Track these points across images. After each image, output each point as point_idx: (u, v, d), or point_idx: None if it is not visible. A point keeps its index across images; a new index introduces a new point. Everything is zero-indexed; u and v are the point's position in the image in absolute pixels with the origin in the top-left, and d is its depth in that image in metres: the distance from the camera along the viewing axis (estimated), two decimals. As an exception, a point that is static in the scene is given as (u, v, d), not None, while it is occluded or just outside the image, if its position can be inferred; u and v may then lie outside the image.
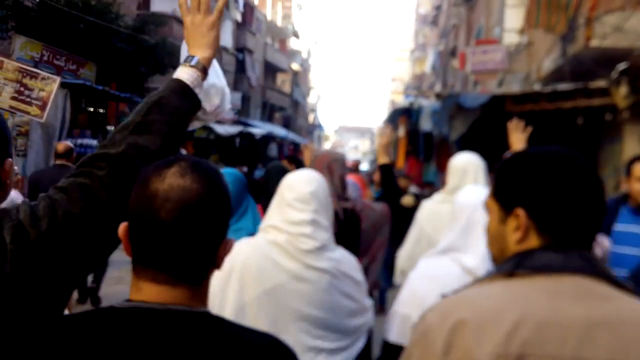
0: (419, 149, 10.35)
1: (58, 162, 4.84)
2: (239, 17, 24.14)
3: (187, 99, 1.16)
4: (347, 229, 2.42)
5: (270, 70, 31.28)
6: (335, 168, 2.49)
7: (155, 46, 10.39)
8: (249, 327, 0.87)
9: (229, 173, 2.48)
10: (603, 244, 2.23)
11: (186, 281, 0.82)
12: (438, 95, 8.94)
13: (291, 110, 35.59)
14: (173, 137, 1.12)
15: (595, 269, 0.88)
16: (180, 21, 18.54)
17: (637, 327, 0.82)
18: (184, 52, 1.31)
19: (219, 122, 20.56)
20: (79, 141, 8.44)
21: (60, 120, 8.22)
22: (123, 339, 0.76)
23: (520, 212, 0.92)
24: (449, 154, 10.65)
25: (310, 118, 47.98)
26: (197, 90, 1.19)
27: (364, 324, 1.80)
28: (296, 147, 27.38)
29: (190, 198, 0.80)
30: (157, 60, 10.40)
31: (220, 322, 0.84)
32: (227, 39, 23.65)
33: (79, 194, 1.00)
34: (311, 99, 48.58)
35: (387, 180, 3.11)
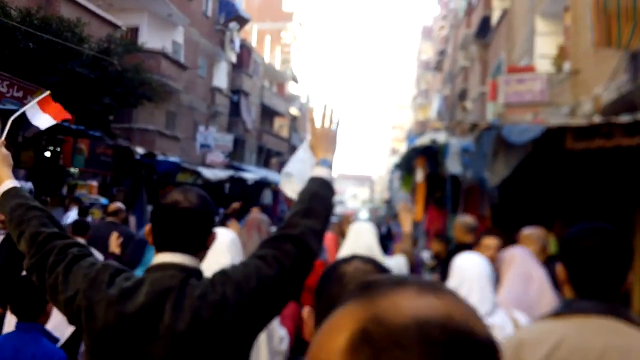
0: (444, 197, 8.45)
1: (109, 219, 5.49)
2: (233, 58, 22.82)
3: (330, 191, 1.57)
4: None
5: (267, 114, 29.86)
6: (262, 227, 3.28)
7: (123, 73, 8.57)
8: None
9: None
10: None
11: None
12: (473, 127, 7.06)
13: (288, 156, 33.96)
14: (327, 218, 1.52)
15: (615, 313, 1.29)
16: (169, 59, 16.99)
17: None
18: (306, 151, 1.91)
19: (209, 166, 18.77)
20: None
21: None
22: None
23: (560, 267, 1.42)
24: (479, 204, 8.70)
25: (309, 165, 46.36)
26: (332, 183, 1.60)
27: None
28: (293, 194, 25.60)
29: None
30: (126, 90, 8.56)
31: None
32: (221, 80, 22.24)
33: (273, 261, 1.36)
34: (310, 146, 47.12)
35: None
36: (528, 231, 4.44)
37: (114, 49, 8.52)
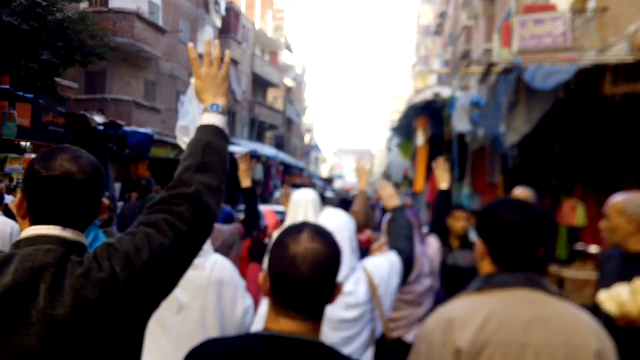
0: (449, 161, 7.15)
1: None
2: (219, 23, 21.23)
3: (225, 140, 1.39)
4: None
5: (260, 84, 28.33)
6: None
7: (65, 24, 7.11)
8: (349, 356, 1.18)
9: None
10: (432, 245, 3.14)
11: (314, 318, 1.13)
12: (489, 67, 5.71)
13: (284, 130, 32.54)
14: (225, 173, 1.34)
15: (536, 284, 1.34)
16: (145, 21, 15.48)
17: (562, 322, 1.28)
18: (192, 99, 1.70)
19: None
20: None
21: None
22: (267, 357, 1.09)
23: (479, 242, 1.45)
24: (489, 169, 7.38)
25: (307, 139, 44.96)
26: (226, 132, 1.41)
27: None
28: (287, 168, 24.21)
29: (321, 258, 1.12)
30: (69, 45, 7.14)
31: (333, 351, 1.14)
32: (206, 47, 20.71)
33: (166, 227, 1.19)
34: (307, 119, 45.63)
35: (248, 204, 3.37)
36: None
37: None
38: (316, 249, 1.10)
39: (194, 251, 1.24)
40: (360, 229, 3.59)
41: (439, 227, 3.30)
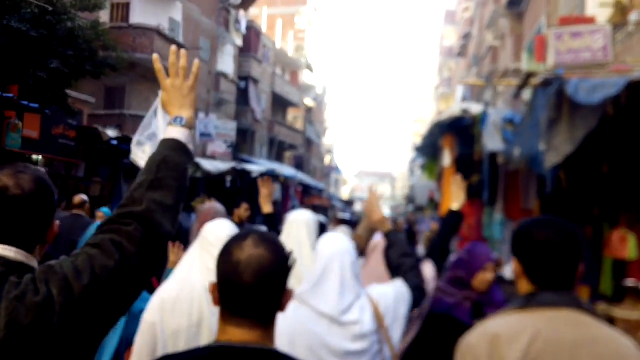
0: (479, 183, 6.62)
1: (74, 211, 5.42)
2: (239, 41, 21.16)
3: (186, 155, 1.30)
4: None
5: (280, 104, 28.17)
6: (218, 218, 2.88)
7: (74, 32, 6.84)
8: None
9: None
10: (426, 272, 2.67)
11: (263, 324, 1.11)
12: (527, 78, 5.17)
13: (303, 150, 32.23)
14: (181, 190, 1.27)
15: (579, 305, 1.33)
16: (165, 37, 15.40)
17: (609, 346, 1.27)
18: (160, 112, 1.51)
19: (210, 157, 17.18)
20: None
21: None
22: None
23: (515, 262, 1.43)
24: (524, 194, 6.77)
25: (327, 160, 44.60)
26: (189, 147, 1.33)
27: None
28: (306, 189, 23.79)
29: (264, 264, 1.10)
30: (79, 55, 6.87)
31: (285, 357, 1.12)
32: (227, 64, 20.62)
33: (111, 248, 1.12)
34: (327, 140, 45.37)
35: (270, 229, 3.21)
36: None
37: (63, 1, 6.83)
38: (260, 255, 1.10)
39: (144, 273, 1.17)
40: (361, 253, 3.48)
41: (439, 252, 2.94)
